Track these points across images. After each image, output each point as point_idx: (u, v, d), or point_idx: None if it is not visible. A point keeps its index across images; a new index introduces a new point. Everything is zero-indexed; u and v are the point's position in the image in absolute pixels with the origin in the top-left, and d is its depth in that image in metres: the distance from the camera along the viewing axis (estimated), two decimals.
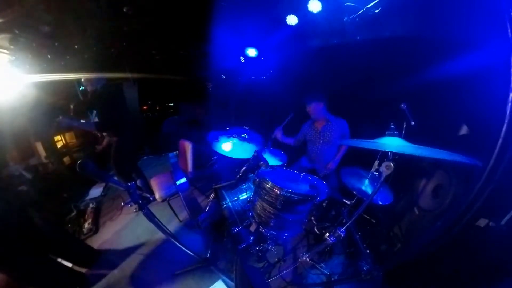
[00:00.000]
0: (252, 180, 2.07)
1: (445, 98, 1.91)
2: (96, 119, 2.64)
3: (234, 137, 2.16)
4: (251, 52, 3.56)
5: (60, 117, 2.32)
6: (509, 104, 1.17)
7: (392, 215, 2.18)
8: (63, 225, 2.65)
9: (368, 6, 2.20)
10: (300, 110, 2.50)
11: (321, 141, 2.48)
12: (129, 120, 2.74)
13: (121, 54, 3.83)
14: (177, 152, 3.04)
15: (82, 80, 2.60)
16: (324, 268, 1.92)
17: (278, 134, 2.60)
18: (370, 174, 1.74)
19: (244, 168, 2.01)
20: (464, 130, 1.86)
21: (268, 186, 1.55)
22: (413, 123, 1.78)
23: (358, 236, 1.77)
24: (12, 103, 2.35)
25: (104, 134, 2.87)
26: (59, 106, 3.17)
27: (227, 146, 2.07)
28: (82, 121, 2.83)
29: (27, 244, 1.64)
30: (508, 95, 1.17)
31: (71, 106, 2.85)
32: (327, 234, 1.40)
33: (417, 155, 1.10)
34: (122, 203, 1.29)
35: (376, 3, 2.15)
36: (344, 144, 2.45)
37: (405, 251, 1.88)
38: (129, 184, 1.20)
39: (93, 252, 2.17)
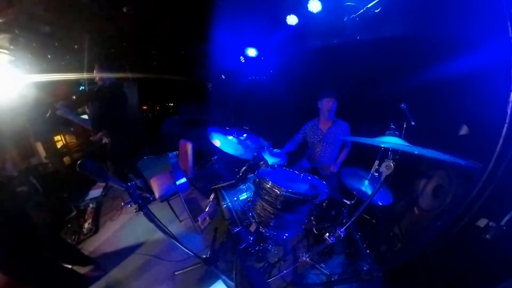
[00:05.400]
0: (252, 180, 2.07)
1: (446, 98, 1.91)
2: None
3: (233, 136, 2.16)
4: (251, 52, 3.56)
5: (59, 104, 2.28)
6: (510, 104, 1.17)
7: (392, 215, 2.18)
8: (62, 226, 2.65)
9: (368, 6, 2.20)
10: (300, 108, 2.50)
11: (324, 144, 2.44)
12: (126, 121, 2.73)
13: (121, 54, 3.83)
14: (177, 152, 3.04)
15: (94, 72, 2.57)
16: (324, 268, 1.92)
17: (276, 154, 2.40)
18: (370, 175, 1.74)
19: (244, 168, 2.01)
20: (464, 130, 1.86)
21: (268, 186, 1.55)
22: (413, 123, 1.78)
23: (358, 236, 1.77)
24: (12, 103, 2.35)
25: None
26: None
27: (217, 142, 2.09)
28: (80, 116, 2.81)
29: (27, 244, 1.64)
30: (508, 95, 1.17)
31: (73, 97, 2.80)
32: (327, 234, 1.40)
33: (416, 153, 1.10)
34: (122, 203, 1.29)
35: (376, 3, 2.15)
36: (346, 143, 2.43)
37: (405, 251, 1.88)
38: (129, 184, 1.20)
39: (87, 259, 2.12)
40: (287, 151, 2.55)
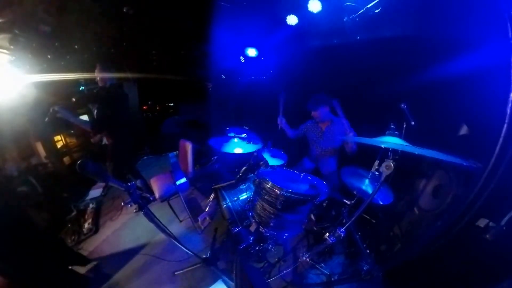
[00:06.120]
0: (252, 180, 2.07)
1: (445, 98, 1.91)
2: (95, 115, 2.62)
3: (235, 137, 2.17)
4: (251, 52, 3.56)
5: (58, 107, 2.27)
6: (509, 104, 1.17)
7: (392, 215, 2.18)
8: (62, 226, 2.64)
9: (368, 6, 2.20)
10: (300, 108, 2.51)
11: (322, 141, 2.49)
12: (127, 122, 2.73)
13: (121, 54, 3.83)
14: (177, 152, 3.04)
15: (96, 73, 2.57)
16: (324, 268, 1.92)
17: (282, 121, 2.60)
18: (370, 174, 1.74)
19: (244, 168, 2.01)
20: (464, 130, 1.86)
21: (268, 186, 1.55)
22: (413, 123, 1.78)
23: (358, 236, 1.77)
24: (12, 103, 2.34)
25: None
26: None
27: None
28: (80, 118, 2.80)
29: (27, 244, 1.64)
30: (508, 95, 1.17)
31: (73, 99, 2.81)
32: (327, 234, 1.40)
33: (416, 153, 1.10)
34: (122, 203, 1.29)
35: (376, 3, 2.15)
36: (350, 140, 2.42)
37: (405, 251, 1.87)
38: (129, 184, 1.20)
39: (84, 260, 2.12)
40: (288, 131, 2.67)
